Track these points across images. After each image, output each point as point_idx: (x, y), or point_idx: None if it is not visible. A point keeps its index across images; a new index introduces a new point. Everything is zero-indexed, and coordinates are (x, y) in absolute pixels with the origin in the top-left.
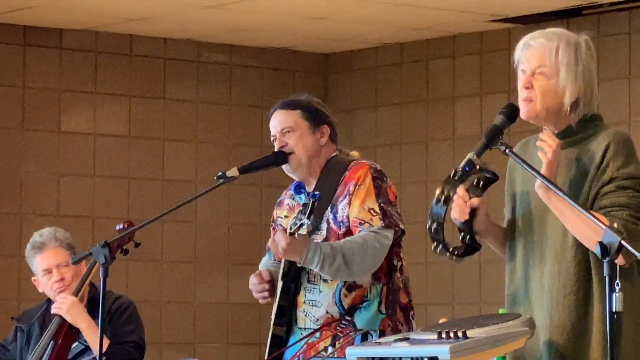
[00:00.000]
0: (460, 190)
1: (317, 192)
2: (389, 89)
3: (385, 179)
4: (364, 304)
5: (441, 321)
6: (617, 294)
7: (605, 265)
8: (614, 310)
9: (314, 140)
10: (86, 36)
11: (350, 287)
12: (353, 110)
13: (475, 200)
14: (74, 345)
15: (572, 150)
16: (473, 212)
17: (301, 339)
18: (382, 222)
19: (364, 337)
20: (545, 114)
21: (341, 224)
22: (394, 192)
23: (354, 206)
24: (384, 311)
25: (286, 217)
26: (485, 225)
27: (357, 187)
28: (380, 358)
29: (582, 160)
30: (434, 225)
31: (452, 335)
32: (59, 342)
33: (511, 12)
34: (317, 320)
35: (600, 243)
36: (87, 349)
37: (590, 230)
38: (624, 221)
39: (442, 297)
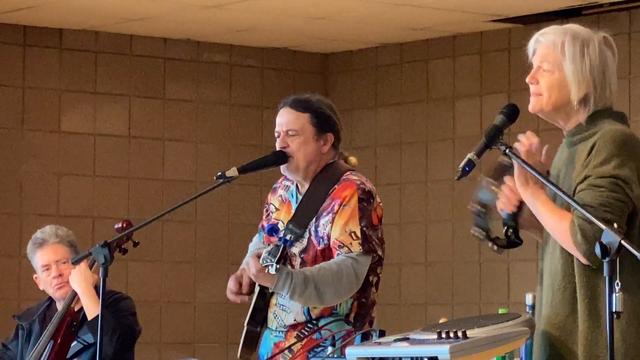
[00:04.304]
0: (510, 181)
1: (288, 238)
2: (389, 89)
3: (372, 200)
4: (332, 316)
5: (441, 321)
6: (617, 294)
7: (605, 265)
8: (614, 310)
9: (316, 147)
10: (86, 36)
11: None
12: (353, 110)
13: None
14: (72, 344)
15: (577, 147)
16: (520, 204)
17: (280, 352)
18: (361, 247)
19: (364, 337)
20: (552, 109)
21: (321, 239)
22: (379, 214)
23: (337, 227)
24: (351, 322)
25: (277, 210)
26: (530, 218)
27: (341, 207)
28: (380, 358)
29: (579, 159)
30: (478, 208)
31: (452, 335)
32: (59, 341)
33: (511, 12)
34: (285, 326)
35: (600, 243)
36: (86, 347)
37: (558, 228)
38: (582, 220)
39: (442, 297)
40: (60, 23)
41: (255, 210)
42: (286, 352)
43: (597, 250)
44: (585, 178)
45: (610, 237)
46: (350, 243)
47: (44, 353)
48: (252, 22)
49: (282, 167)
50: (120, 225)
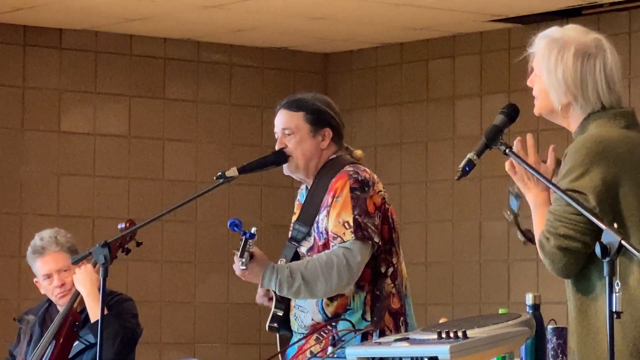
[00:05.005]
0: None
1: (250, 232)
2: (389, 89)
3: (366, 189)
4: (347, 312)
5: (441, 321)
6: (616, 294)
7: (605, 265)
8: (613, 310)
9: (314, 143)
10: (86, 36)
11: (332, 296)
12: (353, 110)
13: None
14: (74, 344)
15: None
16: None
17: (293, 344)
18: (353, 235)
19: (364, 337)
20: (546, 113)
21: (321, 234)
22: (377, 202)
23: (331, 219)
24: (368, 318)
25: (294, 213)
26: None
27: (334, 199)
28: (380, 358)
29: None
30: (512, 217)
31: (452, 335)
32: (60, 341)
33: (511, 12)
34: (305, 327)
35: (600, 243)
36: (87, 347)
37: (536, 239)
38: (543, 236)
39: (442, 297)
40: (60, 23)
41: (255, 210)
42: (307, 352)
43: (597, 250)
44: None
45: (610, 237)
46: (343, 233)
47: (46, 353)
48: (252, 22)
49: (284, 169)
50: (123, 225)
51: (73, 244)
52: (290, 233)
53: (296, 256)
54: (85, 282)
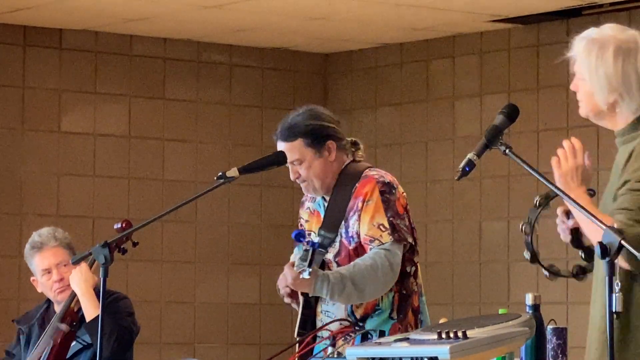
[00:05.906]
0: (560, 212)
1: (316, 241)
2: (389, 89)
3: (394, 191)
4: (376, 312)
5: (441, 321)
6: (616, 294)
7: (604, 265)
8: (613, 311)
9: (323, 162)
10: (86, 36)
11: None
12: (353, 110)
13: (570, 222)
14: (72, 344)
15: (620, 150)
16: (578, 230)
17: (311, 333)
18: (391, 237)
19: (364, 337)
20: (592, 116)
21: (351, 239)
22: (403, 204)
23: (364, 223)
24: (395, 317)
25: (307, 221)
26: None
27: (365, 203)
28: (380, 358)
29: (620, 162)
30: (529, 256)
31: (452, 335)
32: (58, 341)
33: (511, 12)
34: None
35: (600, 243)
36: (85, 347)
37: (591, 229)
38: (622, 224)
39: (442, 297)
40: (60, 23)
41: (255, 210)
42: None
43: (597, 250)
44: (625, 183)
45: (610, 237)
46: (380, 235)
47: (44, 353)
48: (252, 22)
49: (303, 188)
50: (119, 225)
51: (70, 241)
52: (316, 240)
53: (321, 261)
54: (80, 281)
